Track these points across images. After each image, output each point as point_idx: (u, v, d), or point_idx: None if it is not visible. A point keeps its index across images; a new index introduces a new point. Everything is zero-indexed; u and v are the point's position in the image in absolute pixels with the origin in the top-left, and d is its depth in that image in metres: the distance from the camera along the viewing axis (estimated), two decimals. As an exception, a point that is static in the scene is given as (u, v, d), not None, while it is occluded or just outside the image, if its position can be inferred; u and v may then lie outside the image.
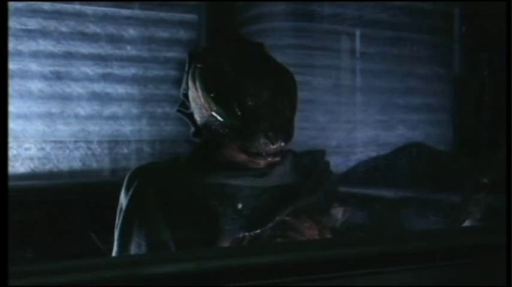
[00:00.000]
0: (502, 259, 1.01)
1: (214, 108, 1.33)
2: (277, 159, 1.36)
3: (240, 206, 1.32)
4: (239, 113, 1.31)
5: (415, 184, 1.80)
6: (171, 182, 1.35)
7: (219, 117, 1.33)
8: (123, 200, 1.37)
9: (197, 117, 1.39)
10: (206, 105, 1.34)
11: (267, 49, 1.44)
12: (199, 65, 1.37)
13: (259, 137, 1.32)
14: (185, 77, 1.42)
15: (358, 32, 2.99)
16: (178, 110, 1.46)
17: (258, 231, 1.29)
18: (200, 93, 1.35)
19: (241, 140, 1.33)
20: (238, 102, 1.31)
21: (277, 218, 1.31)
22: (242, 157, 1.35)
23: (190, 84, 1.39)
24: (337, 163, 1.50)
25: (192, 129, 1.43)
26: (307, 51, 2.88)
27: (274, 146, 1.33)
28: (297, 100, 1.40)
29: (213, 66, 1.36)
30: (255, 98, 1.31)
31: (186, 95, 1.42)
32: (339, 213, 1.41)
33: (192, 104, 1.39)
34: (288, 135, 1.35)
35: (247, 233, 1.29)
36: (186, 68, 1.42)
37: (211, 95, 1.34)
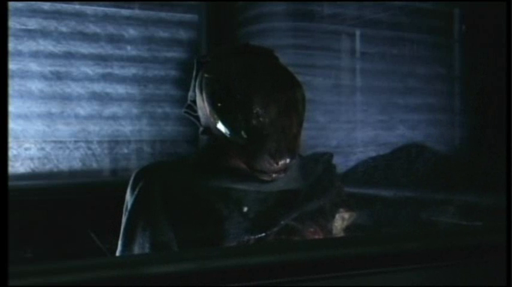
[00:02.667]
0: (502, 259, 1.01)
1: (220, 123, 1.31)
2: (282, 175, 1.33)
3: (245, 209, 1.31)
4: (244, 131, 1.29)
5: (415, 184, 1.80)
6: (178, 183, 1.34)
7: (224, 132, 1.32)
8: (128, 199, 1.36)
9: (204, 124, 1.38)
10: (212, 119, 1.33)
11: (277, 57, 1.41)
12: (206, 75, 1.35)
13: (264, 156, 1.29)
14: (192, 83, 1.40)
15: (358, 32, 2.99)
16: (185, 112, 1.45)
17: (262, 235, 1.29)
18: (206, 104, 1.34)
19: (245, 156, 1.31)
20: (244, 120, 1.28)
21: (282, 222, 1.31)
22: None
23: (197, 92, 1.37)
24: (337, 163, 1.49)
25: (201, 128, 1.42)
26: (307, 51, 2.88)
27: (279, 166, 1.30)
28: (305, 113, 1.36)
29: (221, 79, 1.33)
30: (261, 116, 1.28)
31: (193, 101, 1.41)
32: (344, 218, 1.40)
33: (199, 111, 1.38)
34: (293, 152, 1.32)
35: (252, 237, 1.29)
36: (194, 74, 1.40)
37: (217, 109, 1.31)
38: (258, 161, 1.30)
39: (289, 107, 1.32)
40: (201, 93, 1.35)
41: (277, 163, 1.29)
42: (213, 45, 2.71)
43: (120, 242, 1.34)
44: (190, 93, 1.42)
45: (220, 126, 1.31)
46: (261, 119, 1.28)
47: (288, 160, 1.30)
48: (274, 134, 1.29)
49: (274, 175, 1.32)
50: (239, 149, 1.31)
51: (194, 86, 1.39)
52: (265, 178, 1.32)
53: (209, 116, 1.33)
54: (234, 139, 1.30)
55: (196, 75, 1.39)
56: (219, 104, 1.31)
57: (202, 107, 1.35)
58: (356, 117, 3.02)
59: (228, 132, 1.30)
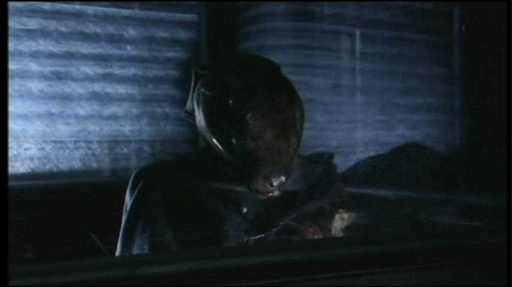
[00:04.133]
0: (502, 259, 1.01)
1: (216, 142, 1.30)
2: (277, 193, 1.31)
3: (245, 210, 1.31)
4: (239, 153, 1.27)
5: (415, 184, 1.80)
6: (177, 184, 1.33)
7: (220, 150, 1.30)
8: (128, 200, 1.36)
9: (201, 134, 1.37)
10: (207, 136, 1.32)
11: (279, 69, 1.38)
12: (203, 91, 1.32)
13: (258, 178, 1.27)
14: (190, 94, 1.38)
15: (358, 32, 2.99)
16: (184, 116, 1.44)
17: (262, 236, 1.29)
18: (203, 120, 1.32)
19: (240, 175, 1.30)
20: (239, 141, 1.27)
21: (281, 223, 1.31)
22: None
23: (195, 105, 1.36)
24: (337, 163, 1.49)
25: None
26: (307, 51, 2.88)
27: (274, 187, 1.29)
28: (303, 130, 1.34)
29: (217, 97, 1.30)
30: (257, 139, 1.26)
31: (192, 109, 1.40)
32: (344, 218, 1.40)
33: (197, 123, 1.37)
34: (289, 172, 1.30)
35: (251, 238, 1.28)
36: (192, 85, 1.37)
37: (213, 127, 1.30)
38: (252, 182, 1.28)
39: (287, 128, 1.29)
40: (198, 107, 1.34)
41: (271, 185, 1.28)
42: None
43: (119, 243, 1.34)
44: (188, 104, 1.40)
45: (216, 143, 1.30)
46: (256, 141, 1.26)
47: (283, 180, 1.29)
48: (270, 157, 1.27)
49: (269, 194, 1.30)
50: (234, 169, 1.30)
51: (192, 98, 1.37)
52: (260, 197, 1.31)
53: (206, 132, 1.32)
54: (229, 159, 1.29)
55: (194, 87, 1.37)
56: (215, 123, 1.30)
57: (199, 120, 1.34)
58: (356, 117, 3.02)
59: (222, 151, 1.29)
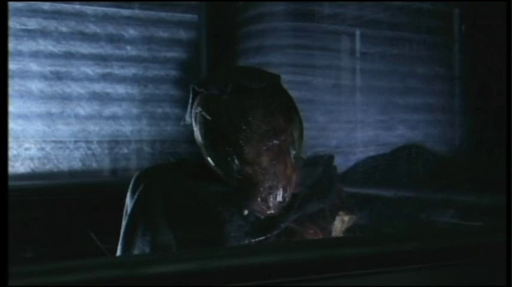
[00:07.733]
0: (502, 259, 1.01)
1: (212, 163, 1.29)
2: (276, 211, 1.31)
3: (245, 212, 1.31)
4: (235, 176, 1.27)
5: (415, 184, 1.80)
6: (178, 186, 1.32)
7: (216, 170, 1.30)
8: (128, 202, 1.35)
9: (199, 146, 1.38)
10: (205, 155, 1.31)
11: (277, 84, 1.34)
12: (200, 110, 1.31)
13: (256, 200, 1.27)
14: (188, 109, 1.37)
15: (358, 32, 2.99)
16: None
17: (262, 237, 1.28)
18: (200, 139, 1.32)
19: (237, 197, 1.29)
20: (236, 165, 1.26)
21: (282, 225, 1.30)
22: None
23: (192, 122, 1.35)
24: (337, 163, 1.49)
25: None
26: (307, 51, 2.88)
27: (271, 208, 1.28)
28: (302, 148, 1.32)
29: (213, 119, 1.28)
30: (254, 164, 1.26)
31: (190, 124, 1.38)
32: (344, 220, 1.40)
33: (195, 137, 1.35)
34: (287, 192, 1.29)
35: (252, 240, 1.28)
36: (190, 101, 1.36)
37: (208, 149, 1.29)
38: (250, 204, 1.28)
39: (284, 150, 1.28)
40: (195, 124, 1.33)
41: (269, 207, 1.28)
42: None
43: (119, 247, 1.33)
44: (186, 118, 1.39)
45: (212, 164, 1.29)
46: (253, 165, 1.26)
47: (281, 201, 1.28)
48: (267, 180, 1.26)
49: (267, 213, 1.30)
50: (231, 189, 1.29)
51: (190, 113, 1.36)
52: (259, 215, 1.30)
53: (202, 150, 1.32)
54: (225, 179, 1.29)
55: (192, 104, 1.35)
56: (211, 145, 1.29)
57: (197, 136, 1.33)
58: (356, 117, 3.02)
59: (220, 172, 1.29)
